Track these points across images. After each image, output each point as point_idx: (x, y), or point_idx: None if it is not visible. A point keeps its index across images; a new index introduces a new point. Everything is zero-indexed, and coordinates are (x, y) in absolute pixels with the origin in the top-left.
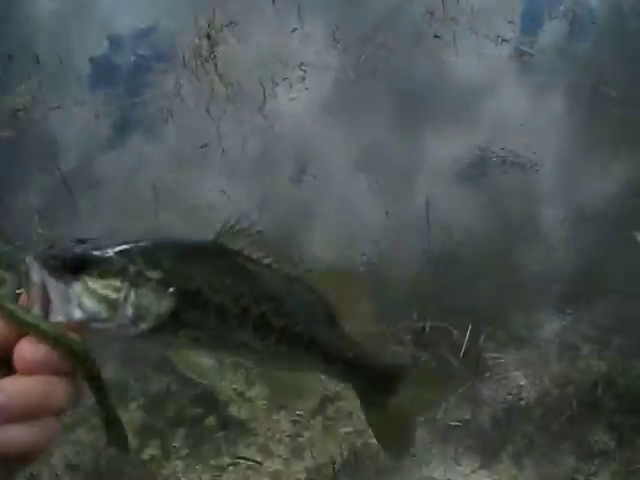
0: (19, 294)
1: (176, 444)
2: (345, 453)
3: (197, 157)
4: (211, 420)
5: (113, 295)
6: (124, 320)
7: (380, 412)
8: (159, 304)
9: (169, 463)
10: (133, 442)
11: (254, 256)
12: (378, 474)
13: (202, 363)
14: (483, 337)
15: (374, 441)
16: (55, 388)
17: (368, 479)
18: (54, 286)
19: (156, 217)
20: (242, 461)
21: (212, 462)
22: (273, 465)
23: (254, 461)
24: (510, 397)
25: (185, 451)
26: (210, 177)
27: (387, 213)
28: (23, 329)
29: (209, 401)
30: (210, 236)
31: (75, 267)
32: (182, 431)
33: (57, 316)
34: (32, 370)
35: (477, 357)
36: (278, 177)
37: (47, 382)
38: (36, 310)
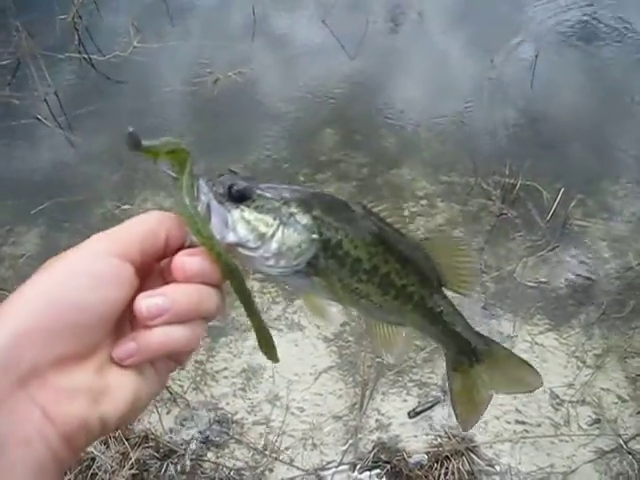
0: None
1: None
2: None
3: None
4: None
5: (263, 229)
6: (267, 253)
7: (462, 380)
8: (301, 247)
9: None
10: None
11: (389, 220)
12: None
13: (327, 308)
14: (573, 203)
15: None
16: (207, 296)
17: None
18: (216, 209)
19: (252, 42)
20: None
21: (287, 287)
22: None
23: None
24: (591, 266)
25: None
26: (310, 6)
27: (492, 61)
28: (195, 236)
29: None
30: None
31: (237, 197)
32: None
33: (214, 233)
34: (189, 279)
35: (564, 222)
36: (378, 20)
37: (202, 290)
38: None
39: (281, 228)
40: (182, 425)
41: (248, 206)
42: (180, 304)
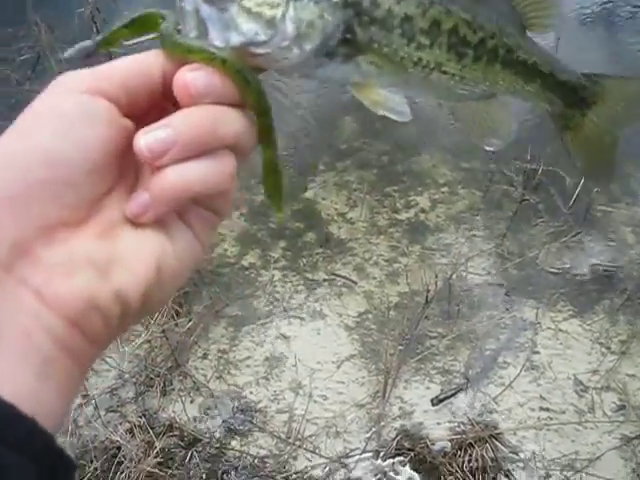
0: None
1: (275, 255)
2: (439, 284)
3: None
4: (311, 236)
5: (270, 12)
6: (285, 41)
7: (579, 136)
8: (324, 18)
9: (267, 272)
10: (233, 250)
11: None
12: (470, 308)
13: (390, 96)
14: (596, 188)
15: (469, 275)
16: (224, 118)
17: (459, 312)
18: (208, 12)
19: None
20: (338, 278)
21: (308, 275)
22: (367, 286)
23: (349, 279)
24: (614, 252)
25: (283, 262)
26: None
27: None
28: (189, 58)
29: (310, 217)
30: None
31: None
32: (282, 243)
33: (215, 42)
34: (195, 99)
35: (587, 208)
36: None
37: (215, 111)
38: (194, 38)
39: (292, 2)
40: (206, 414)
41: None
42: (189, 133)
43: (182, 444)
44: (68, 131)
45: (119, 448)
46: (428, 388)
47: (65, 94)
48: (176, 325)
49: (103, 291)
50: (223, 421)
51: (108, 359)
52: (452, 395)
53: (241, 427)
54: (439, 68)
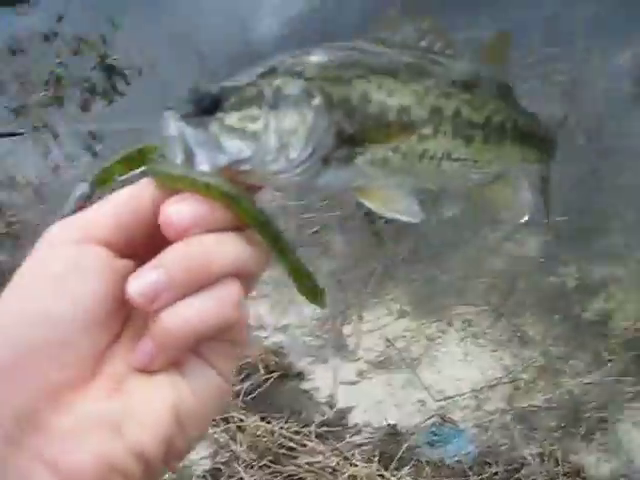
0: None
1: None
2: None
3: None
4: None
5: (252, 126)
6: (270, 153)
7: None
8: (307, 123)
9: None
10: None
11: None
12: None
13: (397, 196)
14: None
15: None
16: (219, 245)
17: None
18: (193, 134)
19: None
20: None
21: None
22: None
23: None
24: None
25: None
26: None
27: None
28: (176, 187)
29: None
30: None
31: (208, 107)
32: None
33: (202, 166)
34: (183, 233)
35: None
36: None
37: (207, 242)
38: (179, 163)
39: (272, 113)
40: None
41: (224, 109)
42: (181, 271)
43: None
44: (58, 290)
45: None
46: None
47: (54, 249)
48: None
49: (118, 451)
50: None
51: None
52: None
53: None
54: (448, 157)
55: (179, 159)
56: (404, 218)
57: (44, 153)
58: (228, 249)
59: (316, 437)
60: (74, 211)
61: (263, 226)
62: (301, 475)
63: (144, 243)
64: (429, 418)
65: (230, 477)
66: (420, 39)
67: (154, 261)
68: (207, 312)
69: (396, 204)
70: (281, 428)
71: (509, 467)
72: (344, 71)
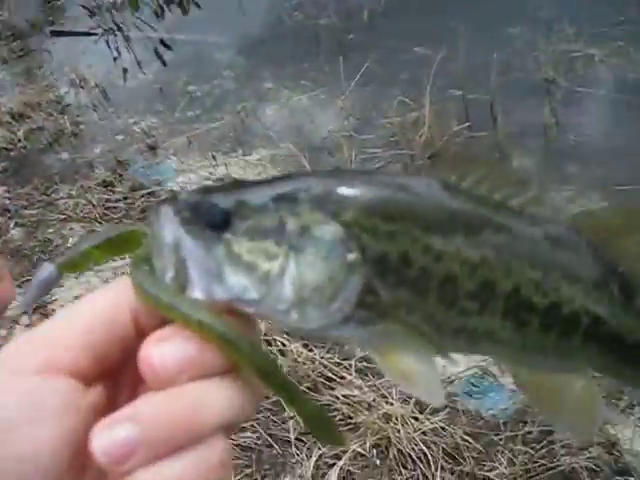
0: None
1: None
2: None
3: None
4: None
5: (265, 265)
6: (281, 304)
7: None
8: (336, 281)
9: None
10: None
11: (491, 195)
12: None
13: (422, 371)
14: None
15: None
16: (207, 397)
17: None
18: (191, 250)
19: None
20: None
21: None
22: None
23: None
24: None
25: None
26: None
27: None
28: (160, 310)
29: None
30: None
31: (218, 221)
32: None
33: (195, 292)
34: (167, 382)
35: None
36: None
37: (194, 392)
38: (169, 282)
39: (293, 256)
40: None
41: (235, 232)
42: (159, 428)
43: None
44: (7, 438)
45: None
46: None
47: (10, 380)
48: None
49: None
50: None
51: None
52: None
53: None
54: (490, 336)
55: (168, 276)
56: (423, 397)
57: (115, 56)
58: (218, 403)
59: (356, 371)
60: (37, 297)
61: (268, 376)
62: (337, 406)
63: (119, 359)
64: (470, 368)
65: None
66: (495, 188)
67: (129, 409)
68: (189, 476)
69: (418, 378)
70: (322, 358)
71: (543, 428)
72: (388, 218)
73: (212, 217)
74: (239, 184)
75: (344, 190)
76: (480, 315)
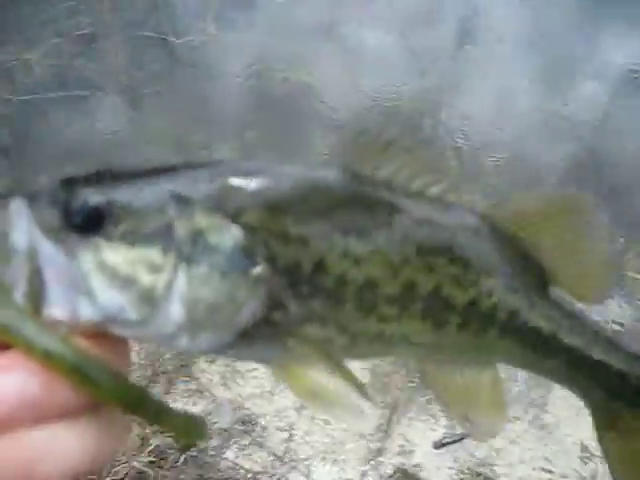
0: None
1: None
2: None
3: None
4: None
5: (147, 278)
6: (168, 326)
7: (625, 441)
8: (234, 297)
9: None
10: None
11: (405, 184)
12: None
13: (335, 391)
14: (630, 255)
15: None
16: (54, 445)
17: None
18: (50, 256)
19: (323, 45)
20: None
21: None
22: None
23: None
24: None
25: None
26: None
27: (561, 96)
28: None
29: None
30: None
31: (86, 221)
32: None
33: (54, 310)
34: (6, 423)
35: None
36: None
37: (32, 442)
38: (19, 297)
39: (182, 268)
40: (206, 419)
41: (108, 235)
42: None
43: (177, 446)
44: None
45: None
46: (433, 430)
47: None
48: None
49: None
50: (222, 430)
51: None
52: (456, 441)
53: (239, 438)
54: (406, 340)
55: (20, 290)
56: (340, 418)
57: None
58: (66, 451)
59: None
60: None
61: (137, 408)
62: None
63: None
64: None
65: None
66: (412, 178)
67: None
68: None
69: (328, 396)
70: None
71: None
72: (297, 220)
73: (78, 216)
74: (115, 174)
75: (245, 184)
76: (399, 320)
